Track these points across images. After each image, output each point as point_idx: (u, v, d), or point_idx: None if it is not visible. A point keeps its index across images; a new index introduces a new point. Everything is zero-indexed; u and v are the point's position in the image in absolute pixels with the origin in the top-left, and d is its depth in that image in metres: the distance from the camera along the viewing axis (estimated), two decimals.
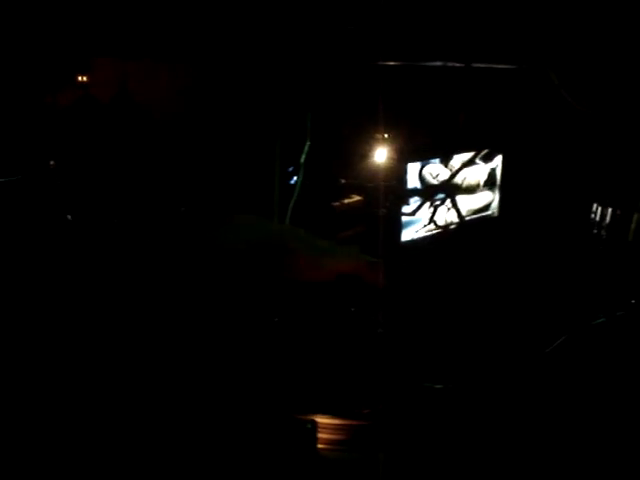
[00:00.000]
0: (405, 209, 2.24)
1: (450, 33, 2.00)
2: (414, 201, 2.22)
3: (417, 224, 2.31)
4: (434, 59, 2.13)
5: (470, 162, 2.23)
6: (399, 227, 2.45)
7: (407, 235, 2.43)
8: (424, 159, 2.49)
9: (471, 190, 2.63)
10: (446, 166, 2.48)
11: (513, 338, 1.59)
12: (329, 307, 1.12)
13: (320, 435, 1.05)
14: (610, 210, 2.40)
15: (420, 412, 1.09)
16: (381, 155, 2.41)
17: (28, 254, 1.53)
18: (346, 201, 2.58)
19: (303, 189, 2.11)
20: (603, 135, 2.39)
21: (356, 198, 2.58)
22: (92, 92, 2.30)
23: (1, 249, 1.55)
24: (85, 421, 0.91)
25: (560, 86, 2.05)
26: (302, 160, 2.01)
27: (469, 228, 2.55)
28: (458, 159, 2.49)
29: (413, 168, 2.46)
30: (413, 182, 2.39)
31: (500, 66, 2.16)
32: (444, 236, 2.45)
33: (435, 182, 2.25)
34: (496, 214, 2.74)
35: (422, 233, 2.36)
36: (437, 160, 2.50)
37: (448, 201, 2.36)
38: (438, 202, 2.24)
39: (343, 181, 2.50)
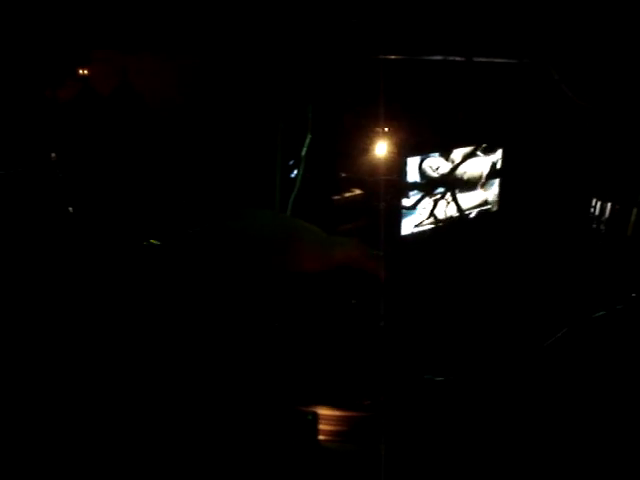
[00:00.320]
0: (405, 203, 2.25)
1: (451, 27, 2.00)
2: (414, 195, 2.22)
3: (417, 217, 2.31)
4: (435, 53, 2.14)
5: (470, 155, 2.24)
6: (399, 221, 2.46)
7: (407, 228, 2.44)
8: (424, 153, 2.50)
9: (472, 184, 2.64)
10: (447, 160, 2.48)
11: (513, 331, 1.60)
12: (329, 299, 1.13)
13: (321, 427, 1.05)
14: (609, 205, 2.41)
15: (421, 404, 1.10)
16: (382, 149, 2.41)
17: (29, 246, 1.53)
18: (346, 195, 2.58)
19: (304, 182, 2.11)
20: (603, 130, 2.39)
21: (356, 192, 2.59)
22: (93, 85, 2.30)
23: (2, 241, 1.55)
24: (85, 415, 0.91)
25: (560, 81, 2.05)
26: (303, 153, 2.01)
27: (469, 222, 2.56)
28: (459, 153, 2.49)
29: (413, 162, 2.47)
30: (413, 176, 2.40)
31: (501, 60, 2.16)
32: (444, 230, 2.46)
33: (435, 176, 2.25)
34: (496, 208, 2.75)
35: (422, 227, 2.36)
36: (437, 154, 2.51)
37: (448, 195, 2.36)
38: (438, 196, 2.25)
39: (344, 175, 2.50)
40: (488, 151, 2.63)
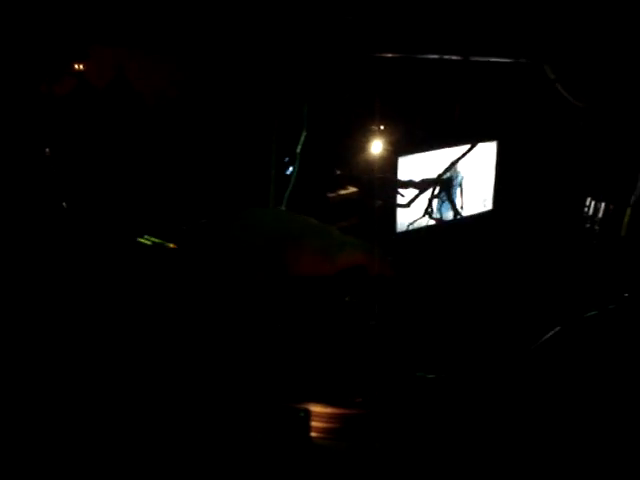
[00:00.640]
0: (400, 201, 2.25)
1: (447, 26, 2.00)
2: (409, 193, 2.22)
3: (412, 215, 2.32)
4: (430, 52, 2.14)
5: (465, 154, 2.24)
6: (394, 219, 2.47)
7: (402, 226, 2.45)
8: (419, 151, 2.50)
9: (466, 182, 2.64)
10: (442, 158, 2.48)
11: (506, 329, 1.60)
12: (323, 297, 1.13)
13: (313, 424, 1.06)
14: (603, 205, 2.42)
15: (413, 401, 1.10)
16: (377, 147, 2.42)
17: (23, 243, 1.53)
18: (341, 192, 2.59)
19: (299, 179, 2.11)
20: (598, 130, 2.40)
21: (351, 189, 2.59)
22: (89, 80, 2.29)
23: None
24: (84, 415, 0.91)
25: (555, 80, 2.05)
26: (298, 150, 2.01)
27: (463, 220, 2.57)
28: (454, 151, 2.50)
29: (409, 160, 2.48)
30: (408, 174, 2.40)
31: (496, 59, 2.17)
32: (439, 228, 2.46)
33: (431, 174, 2.26)
34: (490, 207, 2.76)
35: (417, 225, 2.37)
36: (433, 152, 2.52)
37: (443, 193, 2.37)
38: (433, 194, 2.25)
39: (339, 172, 2.51)
40: (483, 150, 2.63)
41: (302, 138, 2.04)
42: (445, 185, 2.29)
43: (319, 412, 1.07)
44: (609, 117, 2.28)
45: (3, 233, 1.56)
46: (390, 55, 2.16)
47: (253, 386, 1.04)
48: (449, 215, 2.50)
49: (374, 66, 2.23)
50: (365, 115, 2.44)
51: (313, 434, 1.04)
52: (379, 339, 1.16)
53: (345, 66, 2.27)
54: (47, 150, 1.91)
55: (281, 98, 2.18)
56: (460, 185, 2.64)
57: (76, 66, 2.29)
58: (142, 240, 1.57)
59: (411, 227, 2.40)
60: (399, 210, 2.40)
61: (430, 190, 2.20)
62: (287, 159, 2.23)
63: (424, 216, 2.27)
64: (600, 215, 2.43)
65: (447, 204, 2.46)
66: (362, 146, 2.43)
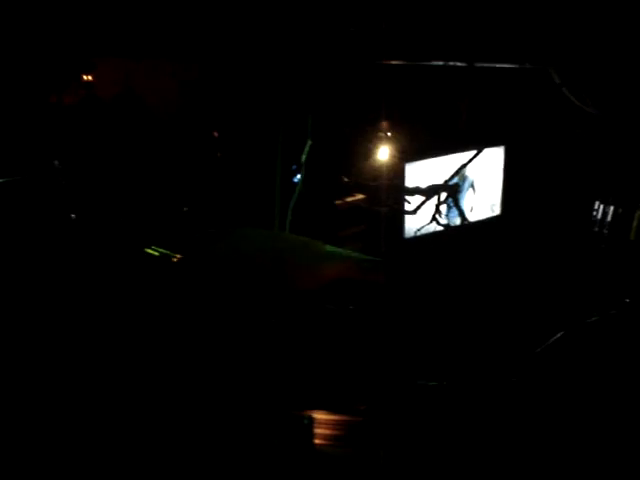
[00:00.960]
0: (407, 207, 2.26)
1: (451, 32, 2.01)
2: (416, 200, 2.23)
3: (419, 222, 2.32)
4: (436, 59, 2.14)
5: (472, 160, 2.24)
6: (401, 225, 2.47)
7: (409, 232, 2.45)
8: (427, 157, 2.50)
9: (474, 188, 2.64)
10: (449, 164, 2.49)
11: (508, 335, 1.60)
12: (326, 305, 1.14)
13: (317, 430, 1.07)
14: (612, 208, 2.41)
15: (415, 409, 1.11)
16: (384, 154, 2.42)
17: (32, 253, 1.55)
18: (349, 199, 2.60)
19: (306, 188, 2.12)
20: (605, 133, 2.39)
21: (359, 196, 2.60)
22: (97, 91, 2.32)
23: (5, 248, 1.57)
24: (83, 416, 0.92)
25: (562, 85, 2.05)
26: (303, 160, 2.02)
27: (470, 226, 2.56)
28: (460, 157, 2.50)
29: (416, 166, 2.48)
30: (416, 180, 2.40)
31: (502, 65, 2.17)
32: (446, 234, 2.46)
33: (438, 180, 2.26)
34: (498, 212, 2.75)
35: (424, 231, 2.37)
36: (440, 158, 2.51)
37: (450, 200, 2.37)
38: (440, 200, 2.25)
39: (346, 179, 2.51)
40: (491, 155, 2.63)
41: (307, 148, 2.05)
42: (452, 191, 2.29)
43: (323, 419, 1.08)
44: (617, 121, 2.27)
45: (12, 244, 1.58)
46: (396, 62, 2.16)
47: (257, 393, 1.05)
48: (456, 221, 2.50)
49: (381, 74, 2.23)
50: (372, 122, 2.44)
51: (317, 441, 1.05)
52: (382, 347, 1.17)
53: (352, 74, 2.28)
54: (56, 162, 1.93)
55: (288, 107, 2.20)
56: (468, 190, 2.64)
57: (84, 77, 2.31)
58: (149, 251, 1.58)
59: (419, 233, 2.40)
60: (407, 216, 2.40)
61: (438, 196, 2.20)
62: (295, 167, 2.24)
63: (431, 222, 2.27)
64: (609, 219, 2.42)
65: (455, 210, 2.46)
66: (369, 153, 2.43)
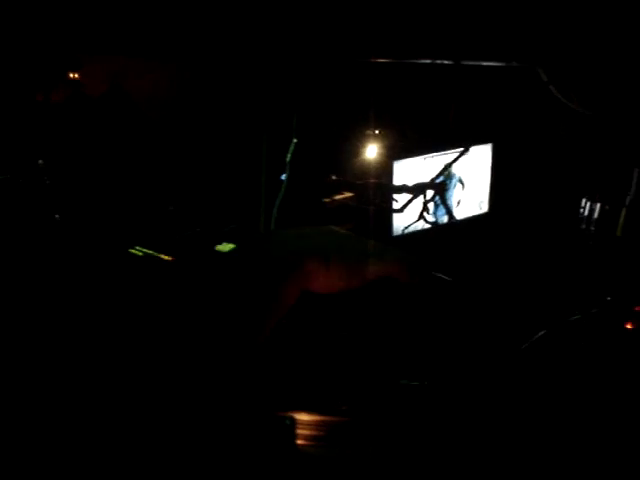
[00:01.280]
0: (395, 206, 2.26)
1: (438, 30, 2.01)
2: (403, 198, 2.23)
3: (407, 220, 2.32)
4: (422, 56, 2.14)
5: (459, 158, 2.25)
6: (389, 223, 2.47)
7: (397, 231, 2.46)
8: (415, 155, 2.51)
9: (461, 186, 2.65)
10: (437, 162, 2.49)
11: (491, 334, 1.60)
12: (307, 304, 1.14)
13: (299, 431, 1.07)
14: (599, 205, 2.42)
15: (397, 409, 1.11)
16: (372, 151, 2.43)
17: (14, 253, 1.54)
18: (337, 197, 2.60)
19: (293, 186, 2.12)
20: (592, 131, 2.40)
21: (347, 194, 2.60)
22: (87, 90, 2.31)
23: None
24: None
25: (549, 83, 2.06)
26: (288, 159, 2.02)
27: (458, 224, 2.57)
28: (448, 155, 2.51)
29: (404, 164, 2.49)
30: (404, 178, 2.41)
31: (489, 63, 2.17)
32: (434, 232, 2.47)
33: (426, 178, 2.26)
34: (485, 210, 2.76)
35: (412, 229, 2.38)
36: (428, 156, 2.52)
37: (437, 197, 2.37)
38: (428, 198, 2.26)
39: (334, 177, 2.51)
40: (478, 153, 2.64)
41: (292, 147, 2.05)
42: (439, 189, 2.29)
43: (305, 420, 1.08)
44: (604, 118, 2.28)
45: None
46: (382, 60, 2.16)
47: (239, 394, 1.05)
48: (444, 219, 2.51)
49: (367, 71, 2.23)
50: (359, 120, 2.45)
51: (299, 442, 1.05)
52: (363, 346, 1.17)
53: (338, 72, 2.28)
54: (40, 162, 1.92)
55: (273, 105, 2.19)
56: (455, 188, 2.65)
57: (71, 75, 2.30)
58: (133, 251, 1.58)
59: (406, 231, 2.41)
60: (394, 214, 2.41)
61: (425, 194, 2.21)
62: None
63: (419, 220, 2.27)
64: (595, 216, 2.43)
65: (442, 208, 2.47)
66: (357, 151, 2.43)
